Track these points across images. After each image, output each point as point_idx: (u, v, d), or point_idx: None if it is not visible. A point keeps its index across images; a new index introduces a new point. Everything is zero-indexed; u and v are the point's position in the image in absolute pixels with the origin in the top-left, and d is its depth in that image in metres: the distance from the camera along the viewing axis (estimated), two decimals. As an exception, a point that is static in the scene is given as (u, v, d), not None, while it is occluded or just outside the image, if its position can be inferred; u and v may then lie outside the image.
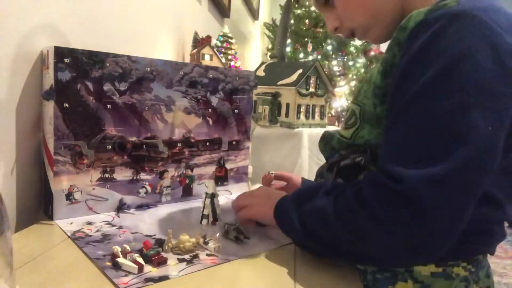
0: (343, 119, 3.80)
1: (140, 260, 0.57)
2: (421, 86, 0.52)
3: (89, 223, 0.75)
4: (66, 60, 0.73)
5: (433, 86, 0.52)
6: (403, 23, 0.58)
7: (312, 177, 1.79)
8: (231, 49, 1.73)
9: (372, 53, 4.12)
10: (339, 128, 0.77)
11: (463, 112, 0.50)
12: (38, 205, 0.80)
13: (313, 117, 1.89)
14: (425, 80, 0.52)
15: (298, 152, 1.74)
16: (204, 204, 0.80)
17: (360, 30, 0.71)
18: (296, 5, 3.77)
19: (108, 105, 0.80)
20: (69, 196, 0.77)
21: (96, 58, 0.77)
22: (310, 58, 3.60)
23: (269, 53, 2.70)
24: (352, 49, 3.81)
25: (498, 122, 0.51)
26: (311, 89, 1.84)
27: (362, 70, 3.89)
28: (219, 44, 1.71)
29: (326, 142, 0.73)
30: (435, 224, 0.48)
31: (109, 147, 0.81)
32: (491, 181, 0.54)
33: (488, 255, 0.64)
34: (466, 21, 0.52)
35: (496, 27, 0.52)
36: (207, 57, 1.43)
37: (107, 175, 0.82)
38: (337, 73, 3.77)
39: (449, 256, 0.56)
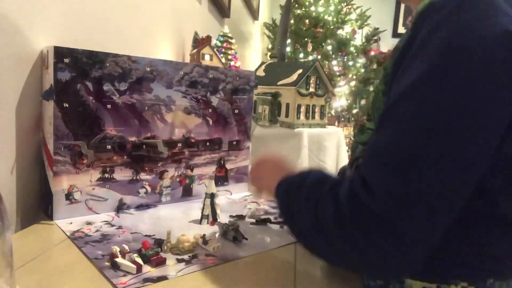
0: (342, 119, 3.80)
1: (139, 260, 0.57)
2: (409, 85, 0.47)
3: (89, 223, 0.75)
4: (66, 60, 0.73)
5: (420, 88, 0.46)
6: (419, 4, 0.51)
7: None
8: (231, 49, 1.73)
9: (372, 53, 4.12)
10: None
11: (448, 123, 0.44)
12: (38, 205, 0.81)
13: (313, 117, 1.89)
14: (414, 79, 0.47)
15: (298, 152, 1.74)
16: (204, 204, 0.80)
17: None
18: (296, 5, 3.77)
19: (108, 105, 0.80)
20: (68, 196, 0.77)
21: (96, 58, 0.77)
22: (310, 58, 3.60)
23: (269, 53, 2.70)
24: (352, 49, 3.81)
25: (489, 138, 0.45)
26: (311, 89, 1.84)
27: (362, 70, 3.89)
28: (219, 44, 1.71)
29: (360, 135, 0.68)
30: (408, 244, 0.45)
31: (109, 147, 0.81)
32: (504, 202, 0.51)
33: None
34: (477, 5, 0.45)
35: None
36: (207, 57, 1.43)
37: (106, 175, 0.82)
38: (337, 73, 3.77)
39: (444, 274, 0.54)
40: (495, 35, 0.44)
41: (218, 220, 0.80)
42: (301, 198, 0.55)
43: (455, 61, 0.45)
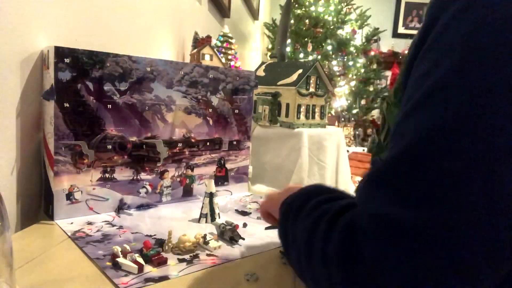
0: (342, 119, 3.80)
1: (140, 260, 0.57)
2: (426, 90, 0.36)
3: (90, 223, 0.75)
4: (67, 60, 0.73)
5: (436, 94, 0.35)
6: None
7: (312, 178, 1.77)
8: (231, 49, 1.73)
9: (372, 53, 4.13)
10: None
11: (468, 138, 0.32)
12: (38, 205, 0.80)
13: (313, 117, 1.89)
14: (431, 83, 0.36)
15: (298, 152, 1.74)
16: (203, 203, 0.80)
17: None
18: (296, 5, 3.78)
19: (108, 105, 0.80)
20: (69, 196, 0.77)
21: (96, 58, 0.77)
22: (310, 58, 3.60)
23: (269, 53, 2.70)
24: (352, 49, 3.82)
25: None
26: (311, 89, 1.84)
27: (362, 70, 3.89)
28: (219, 44, 1.70)
29: None
30: None
31: (109, 147, 0.81)
32: None
33: None
34: None
35: None
36: (207, 57, 1.43)
37: (107, 175, 0.82)
38: (337, 73, 3.77)
39: None
40: None
41: (216, 220, 0.80)
42: (298, 225, 0.46)
43: (472, 65, 0.34)
